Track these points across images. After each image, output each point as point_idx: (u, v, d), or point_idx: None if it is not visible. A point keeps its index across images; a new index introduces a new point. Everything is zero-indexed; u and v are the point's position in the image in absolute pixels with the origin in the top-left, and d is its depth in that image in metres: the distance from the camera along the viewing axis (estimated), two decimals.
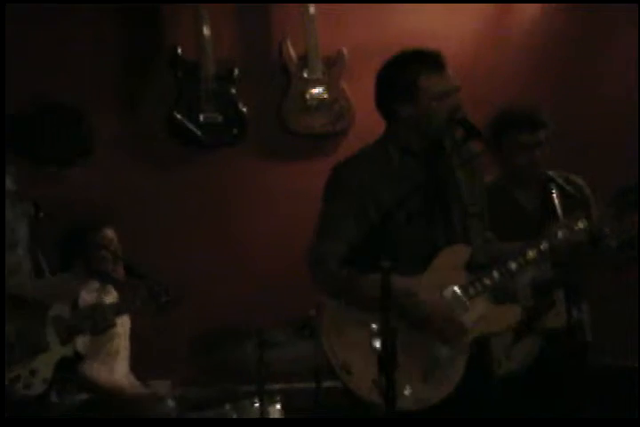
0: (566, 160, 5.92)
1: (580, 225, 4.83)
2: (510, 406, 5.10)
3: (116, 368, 6.29)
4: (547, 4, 7.55)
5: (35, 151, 4.85)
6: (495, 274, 4.64)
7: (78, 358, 5.13)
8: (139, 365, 6.43)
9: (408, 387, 4.42)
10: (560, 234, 4.77)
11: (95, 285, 6.12)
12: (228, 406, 5.98)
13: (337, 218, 4.64)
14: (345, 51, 7.00)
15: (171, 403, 6.25)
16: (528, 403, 5.49)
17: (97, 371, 6.09)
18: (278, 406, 6.05)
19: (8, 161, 4.84)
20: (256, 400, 5.83)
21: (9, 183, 4.81)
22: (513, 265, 4.67)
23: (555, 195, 5.54)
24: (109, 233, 6.24)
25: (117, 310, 5.40)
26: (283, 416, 6.14)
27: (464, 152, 4.67)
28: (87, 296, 5.49)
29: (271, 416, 5.96)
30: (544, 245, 4.70)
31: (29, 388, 4.80)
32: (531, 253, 4.69)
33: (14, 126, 4.93)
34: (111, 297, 6.07)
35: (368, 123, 4.79)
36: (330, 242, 4.61)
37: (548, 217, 5.42)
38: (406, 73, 4.59)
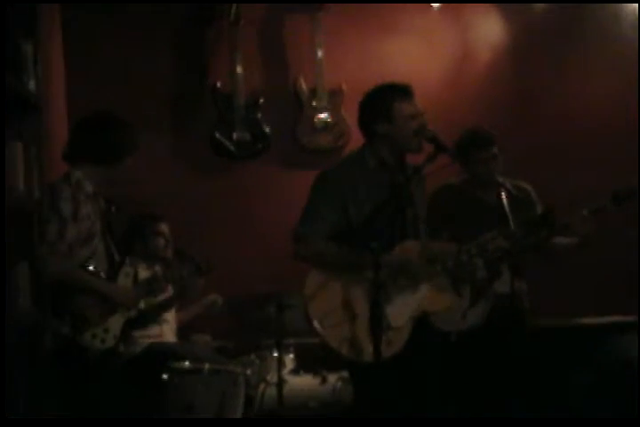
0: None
1: (501, 238, 4.96)
2: (459, 359, 5.28)
3: (164, 331, 6.28)
4: (501, 45, 7.51)
5: (92, 155, 4.84)
6: (438, 268, 4.71)
7: (141, 316, 5.15)
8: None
9: (367, 344, 4.39)
10: (486, 243, 4.89)
11: (144, 265, 6.09)
12: (253, 355, 6.09)
13: (321, 205, 4.64)
14: (344, 85, 7.08)
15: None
16: (477, 356, 5.46)
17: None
18: (292, 356, 6.13)
19: (84, 168, 4.80)
20: (275, 351, 5.87)
21: (87, 186, 4.76)
22: (450, 263, 4.78)
23: (504, 196, 5.64)
24: (163, 226, 6.32)
25: (167, 279, 5.46)
26: (294, 364, 6.12)
27: (419, 172, 4.63)
28: (143, 273, 5.55)
29: (286, 364, 5.94)
30: (473, 250, 4.80)
31: (104, 342, 4.71)
32: (464, 257, 4.80)
33: (83, 135, 4.92)
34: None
35: (361, 140, 4.86)
36: (314, 224, 4.63)
37: (500, 213, 5.54)
38: (384, 99, 4.67)
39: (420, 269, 4.68)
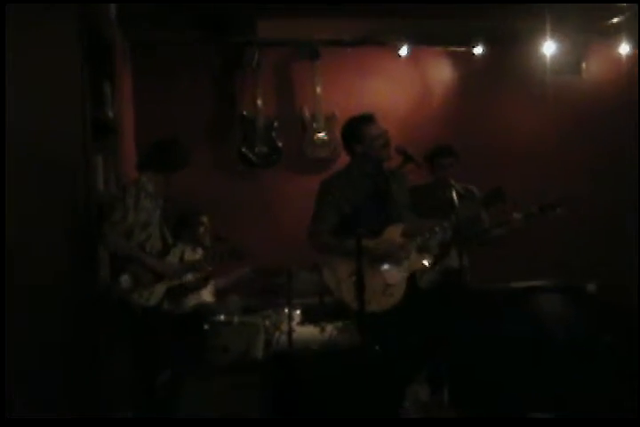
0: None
1: (465, 211, 5.04)
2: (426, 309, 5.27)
3: (204, 294, 6.24)
4: (450, 82, 7.56)
5: (157, 166, 4.88)
6: (419, 240, 4.80)
7: (181, 286, 5.19)
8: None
9: (375, 298, 4.57)
10: (456, 214, 4.96)
11: (189, 248, 5.98)
12: (270, 311, 6.04)
13: (324, 209, 4.75)
14: (336, 112, 7.06)
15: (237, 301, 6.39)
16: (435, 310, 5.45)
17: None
18: (298, 311, 6.02)
19: (148, 175, 4.85)
20: (286, 308, 5.83)
21: (149, 187, 4.79)
22: (427, 235, 4.83)
23: (453, 194, 5.72)
24: (203, 218, 6.29)
25: (206, 261, 5.50)
26: (301, 317, 6.02)
27: (396, 174, 4.78)
28: (188, 254, 5.55)
29: (294, 317, 5.84)
30: (445, 224, 4.86)
31: (148, 301, 4.76)
32: (437, 228, 4.86)
33: (153, 153, 4.95)
34: (198, 254, 5.98)
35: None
36: (320, 224, 4.74)
37: (450, 206, 5.59)
38: (355, 127, 4.77)
39: (399, 249, 4.76)
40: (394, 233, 4.78)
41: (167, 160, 4.89)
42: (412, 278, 4.84)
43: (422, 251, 4.89)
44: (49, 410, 3.63)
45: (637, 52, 7.18)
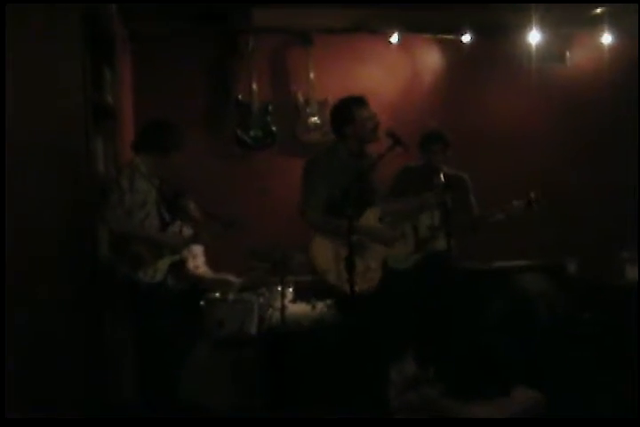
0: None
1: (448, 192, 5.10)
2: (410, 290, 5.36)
3: (199, 264, 6.36)
4: (438, 68, 7.55)
5: (149, 147, 4.84)
6: (401, 223, 4.87)
7: (182, 262, 5.17)
8: (217, 265, 6.55)
9: (364, 274, 4.59)
10: (431, 196, 5.02)
11: (186, 225, 6.10)
12: (263, 289, 6.06)
13: (312, 187, 4.72)
14: (329, 97, 6.93)
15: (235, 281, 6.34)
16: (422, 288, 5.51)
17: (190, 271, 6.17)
18: (291, 289, 6.07)
19: (141, 156, 4.81)
20: (279, 286, 5.81)
21: (143, 168, 4.76)
22: (414, 218, 4.88)
23: (441, 176, 5.69)
24: (192, 197, 6.34)
25: (200, 236, 5.51)
26: (293, 295, 6.05)
27: (375, 158, 4.70)
28: (185, 230, 5.57)
29: (287, 295, 5.83)
30: (424, 206, 4.91)
31: (153, 278, 4.76)
32: (426, 203, 4.90)
33: (144, 134, 4.94)
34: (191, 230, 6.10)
35: None
36: (310, 201, 4.71)
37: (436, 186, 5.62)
38: (347, 108, 4.74)
39: (380, 232, 4.79)
40: (371, 217, 4.80)
41: (158, 141, 4.85)
42: (389, 260, 4.90)
43: (411, 233, 4.93)
44: (49, 410, 3.59)
45: (638, 47, 7.19)
